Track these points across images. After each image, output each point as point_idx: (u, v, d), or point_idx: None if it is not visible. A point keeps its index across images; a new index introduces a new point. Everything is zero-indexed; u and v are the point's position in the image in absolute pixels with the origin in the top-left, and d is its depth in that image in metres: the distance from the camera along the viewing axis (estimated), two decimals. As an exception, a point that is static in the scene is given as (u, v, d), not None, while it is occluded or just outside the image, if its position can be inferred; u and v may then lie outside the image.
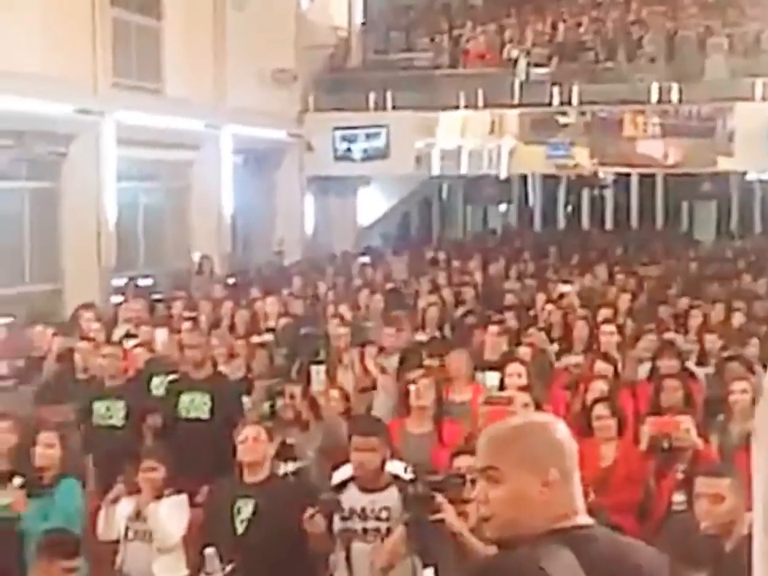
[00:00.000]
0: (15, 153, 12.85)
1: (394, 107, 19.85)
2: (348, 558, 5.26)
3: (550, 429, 2.59)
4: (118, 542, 6.22)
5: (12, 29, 12.56)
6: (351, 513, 5.28)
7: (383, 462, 5.31)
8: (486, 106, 19.51)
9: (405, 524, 4.70)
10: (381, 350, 9.26)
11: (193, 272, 16.03)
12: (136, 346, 9.44)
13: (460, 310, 12.09)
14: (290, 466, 6.85)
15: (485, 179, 23.61)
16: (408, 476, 5.09)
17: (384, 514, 5.23)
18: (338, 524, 5.29)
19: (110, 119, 14.21)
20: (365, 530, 5.25)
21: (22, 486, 6.07)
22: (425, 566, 3.93)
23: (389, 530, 5.14)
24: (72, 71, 13.55)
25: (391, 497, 5.22)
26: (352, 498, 5.30)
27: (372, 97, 19.94)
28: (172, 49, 16.27)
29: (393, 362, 9.00)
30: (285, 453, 6.79)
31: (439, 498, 4.47)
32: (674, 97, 18.79)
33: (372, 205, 22.73)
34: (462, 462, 5.08)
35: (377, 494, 5.28)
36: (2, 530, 6.08)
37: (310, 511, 5.23)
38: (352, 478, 5.35)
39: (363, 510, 5.26)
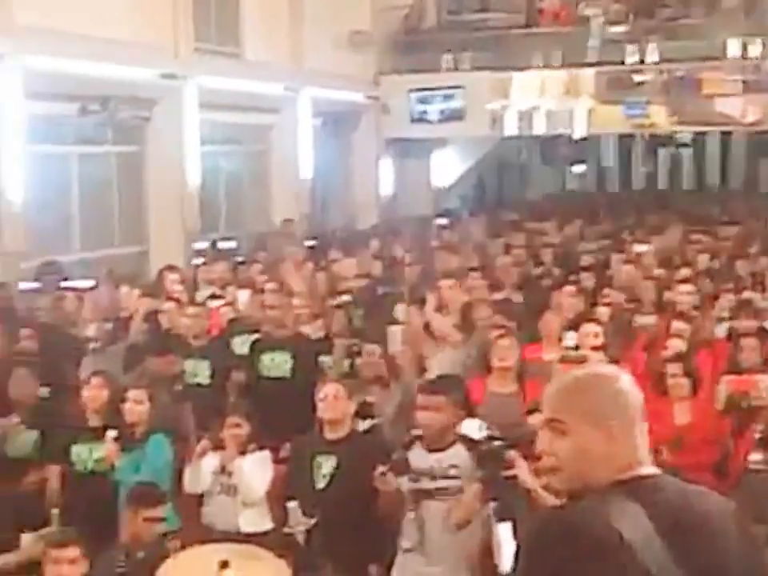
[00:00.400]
0: (102, 118, 13.05)
1: (469, 68, 19.78)
2: (419, 517, 5.27)
3: (614, 380, 2.54)
4: (203, 495, 6.39)
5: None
6: (419, 472, 5.27)
7: (452, 423, 5.29)
8: (561, 65, 19.34)
9: (480, 480, 4.69)
10: (441, 307, 8.99)
11: (274, 234, 16.21)
12: (221, 306, 9.65)
13: (537, 271, 12.13)
14: (366, 424, 6.95)
15: (561, 139, 23.43)
16: (481, 434, 5.13)
17: (452, 472, 5.21)
18: (407, 483, 5.30)
19: (192, 83, 14.36)
20: (436, 489, 5.24)
21: (116, 440, 6.32)
22: (500, 520, 3.98)
23: (459, 488, 5.14)
24: (155, 37, 13.69)
25: (457, 454, 5.22)
26: (418, 457, 5.31)
27: (447, 58, 19.87)
28: (250, 13, 16.34)
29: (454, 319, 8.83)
30: (364, 411, 6.92)
31: (512, 454, 4.50)
32: (755, 52, 18.37)
33: (449, 166, 22.70)
34: (537, 420, 5.11)
35: (441, 453, 5.27)
36: (99, 482, 6.37)
37: (380, 469, 5.26)
38: (419, 437, 5.37)
39: (431, 469, 5.26)
